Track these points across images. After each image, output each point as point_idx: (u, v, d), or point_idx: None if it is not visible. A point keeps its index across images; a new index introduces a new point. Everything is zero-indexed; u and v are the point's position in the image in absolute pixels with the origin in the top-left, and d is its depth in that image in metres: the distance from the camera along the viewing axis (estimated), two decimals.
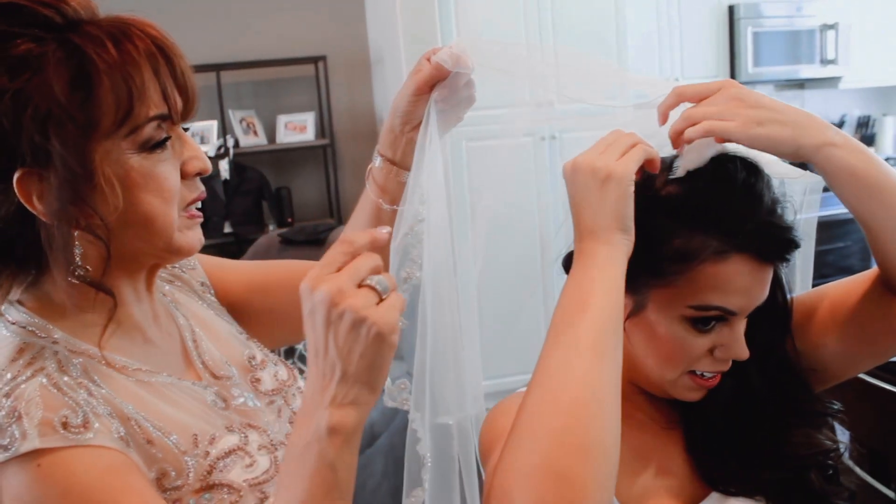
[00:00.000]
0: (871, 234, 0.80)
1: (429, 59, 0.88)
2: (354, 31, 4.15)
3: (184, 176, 0.75)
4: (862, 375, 1.75)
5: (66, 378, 0.69)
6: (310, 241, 3.37)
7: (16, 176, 0.67)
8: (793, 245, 0.80)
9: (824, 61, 4.33)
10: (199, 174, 0.77)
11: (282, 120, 4.06)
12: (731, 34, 4.19)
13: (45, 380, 0.68)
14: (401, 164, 0.96)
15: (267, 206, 4.10)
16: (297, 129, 4.06)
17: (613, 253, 0.72)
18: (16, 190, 0.67)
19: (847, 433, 0.88)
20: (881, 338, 0.85)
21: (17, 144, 0.66)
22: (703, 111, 0.76)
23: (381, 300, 0.63)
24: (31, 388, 0.67)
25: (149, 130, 0.70)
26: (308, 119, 4.06)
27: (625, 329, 0.84)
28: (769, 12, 4.20)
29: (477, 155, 3.32)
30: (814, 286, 0.95)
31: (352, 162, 4.30)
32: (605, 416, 0.66)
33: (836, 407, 0.89)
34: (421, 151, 0.89)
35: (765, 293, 0.81)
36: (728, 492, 0.85)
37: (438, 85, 0.89)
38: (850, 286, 0.88)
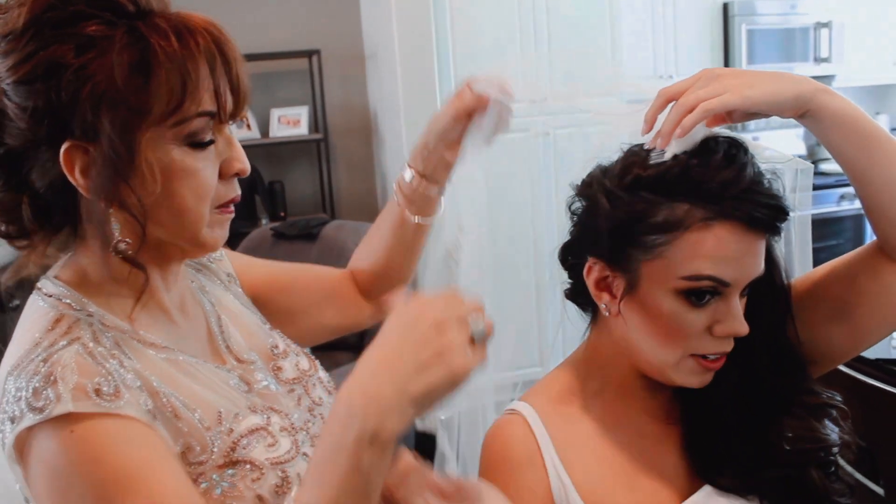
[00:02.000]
0: (865, 186, 0.80)
1: (470, 87, 0.92)
2: (348, 26, 4.13)
3: (222, 176, 0.78)
4: (848, 371, 1.76)
5: (100, 348, 0.72)
6: (302, 235, 3.37)
7: (63, 147, 0.70)
8: (780, 212, 0.80)
9: (818, 59, 4.34)
10: (237, 175, 0.79)
11: (275, 114, 4.05)
12: (726, 31, 4.20)
13: (80, 348, 0.70)
14: (430, 178, 1.01)
15: (260, 200, 4.08)
16: (291, 123, 4.04)
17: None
18: (61, 160, 0.71)
19: (837, 429, 0.88)
20: (881, 309, 0.85)
21: (70, 118, 0.70)
22: (695, 95, 0.77)
23: (473, 346, 0.67)
24: (68, 355, 0.69)
25: (196, 125, 0.73)
26: (302, 113, 4.05)
27: (621, 312, 0.85)
28: (763, 10, 4.20)
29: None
30: None
31: (345, 157, 4.29)
32: None
33: (838, 399, 0.89)
34: (459, 180, 0.94)
35: (757, 264, 0.80)
36: (721, 486, 0.85)
37: (478, 113, 0.93)
38: (847, 261, 0.88)
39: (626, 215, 0.78)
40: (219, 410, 0.77)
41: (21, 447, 0.68)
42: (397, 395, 0.64)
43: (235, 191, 0.81)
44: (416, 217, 1.03)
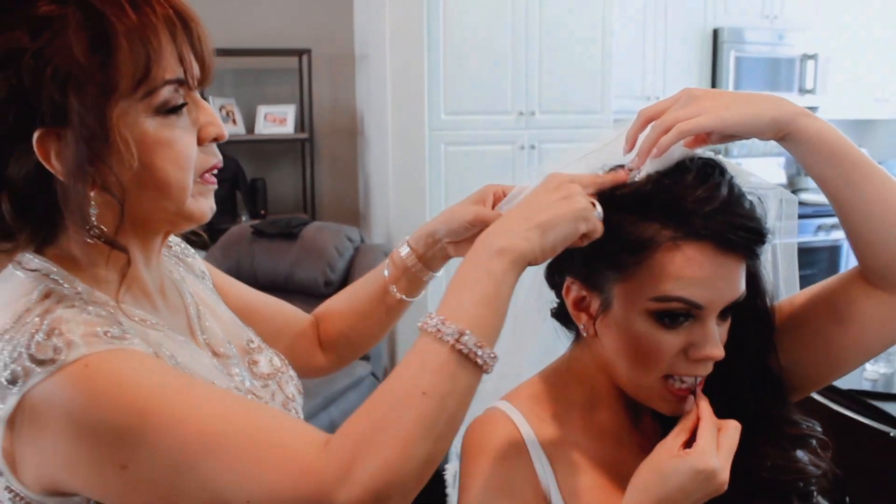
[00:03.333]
0: (846, 209, 0.79)
1: (496, 200, 0.94)
2: (340, 26, 4.13)
3: (200, 142, 0.77)
4: (818, 398, 1.78)
5: (98, 311, 0.71)
6: (282, 234, 3.35)
7: (35, 135, 0.69)
8: (755, 234, 0.78)
9: (802, 90, 4.40)
10: (215, 140, 0.78)
11: (262, 111, 4.03)
12: (714, 57, 4.25)
13: (77, 309, 0.69)
14: (427, 263, 1.01)
15: (241, 197, 4.05)
16: (277, 121, 4.02)
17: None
18: (35, 149, 0.69)
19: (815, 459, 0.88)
20: (860, 335, 0.85)
21: (38, 103, 0.68)
22: (673, 116, 0.77)
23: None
24: (68, 313, 0.68)
25: (165, 94, 0.71)
26: (288, 112, 4.03)
27: (596, 331, 0.84)
28: (752, 38, 4.26)
29: (455, 159, 3.32)
30: None
31: (330, 157, 4.28)
32: None
33: (818, 429, 0.88)
34: None
35: (734, 287, 0.79)
36: None
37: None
38: (827, 286, 0.87)
39: (600, 235, 0.76)
40: (211, 381, 0.78)
41: (28, 409, 0.65)
42: (523, 221, 0.72)
43: (216, 156, 0.79)
44: (400, 294, 1.02)
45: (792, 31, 4.35)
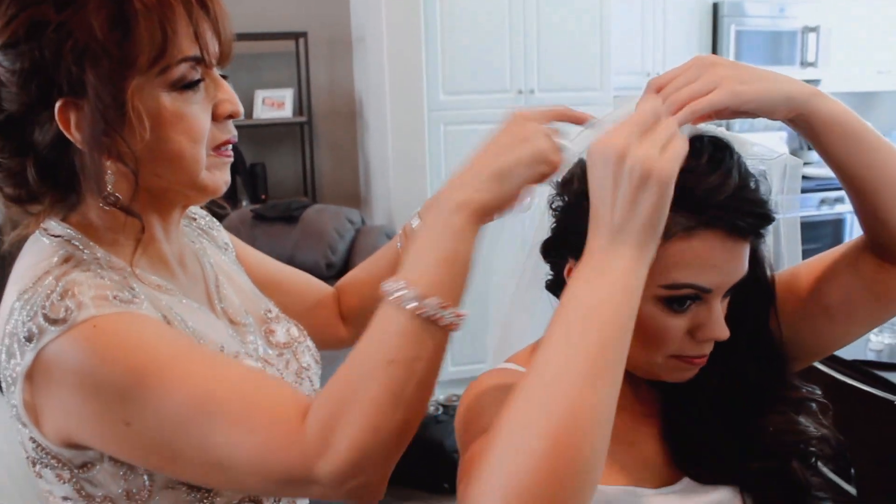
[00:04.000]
0: (857, 188, 0.78)
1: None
2: (336, 9, 4.09)
3: (215, 118, 0.79)
4: (822, 367, 1.78)
5: (113, 276, 0.75)
6: (283, 217, 3.34)
7: (57, 104, 0.72)
8: (764, 219, 0.78)
9: (804, 63, 4.37)
10: (230, 117, 0.80)
11: (259, 95, 4.00)
12: (715, 32, 4.21)
13: (92, 273, 0.73)
14: None
15: (241, 182, 4.04)
16: (275, 105, 4.00)
17: (637, 261, 0.66)
18: (56, 118, 0.72)
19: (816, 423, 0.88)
20: (862, 306, 0.85)
21: (57, 74, 0.71)
22: (688, 91, 0.73)
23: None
24: (83, 276, 0.72)
25: (181, 70, 0.74)
26: (286, 95, 4.01)
27: None
28: (753, 12, 4.22)
29: (455, 139, 3.30)
30: None
31: (329, 140, 4.26)
32: (595, 438, 0.61)
33: (818, 393, 0.89)
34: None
35: (740, 269, 0.79)
36: (701, 478, 0.84)
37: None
38: (831, 258, 0.87)
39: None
40: (221, 345, 0.81)
41: (44, 366, 0.69)
42: (481, 170, 0.70)
43: (230, 132, 0.81)
44: None
45: (793, 3, 4.30)
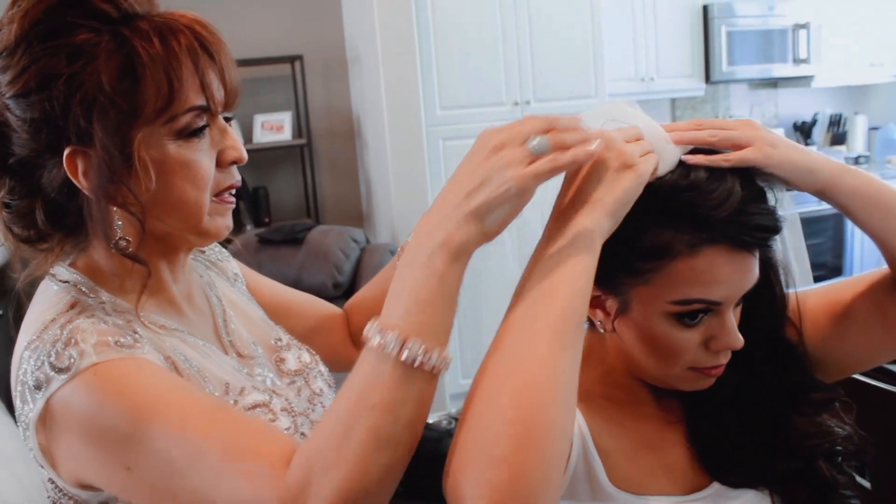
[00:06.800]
0: (889, 248, 0.83)
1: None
2: (330, 30, 4.13)
3: (220, 164, 0.80)
4: None
5: (116, 320, 0.76)
6: (287, 240, 3.36)
7: (66, 152, 0.74)
8: (770, 232, 0.78)
9: (797, 60, 4.39)
10: (234, 163, 0.81)
11: (258, 119, 4.03)
12: (706, 33, 4.24)
13: (96, 319, 0.74)
14: None
15: (244, 206, 4.07)
16: (274, 128, 4.03)
17: (596, 234, 0.69)
18: (65, 165, 0.74)
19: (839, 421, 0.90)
20: (889, 347, 0.88)
21: (65, 124, 0.73)
22: (725, 134, 0.78)
23: (533, 160, 0.67)
24: (86, 323, 0.73)
25: (186, 119, 0.75)
26: (285, 118, 4.03)
27: (615, 329, 0.84)
28: (742, 11, 4.24)
29: (454, 153, 3.32)
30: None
31: (329, 161, 4.28)
32: (559, 403, 0.64)
33: (841, 392, 0.90)
34: None
35: (749, 280, 0.79)
36: (730, 482, 0.85)
37: None
38: (870, 282, 0.88)
39: (612, 239, 0.72)
40: (226, 381, 0.81)
41: (52, 413, 0.70)
42: (456, 209, 0.66)
43: (234, 177, 0.82)
44: None
45: (782, 1, 4.33)
